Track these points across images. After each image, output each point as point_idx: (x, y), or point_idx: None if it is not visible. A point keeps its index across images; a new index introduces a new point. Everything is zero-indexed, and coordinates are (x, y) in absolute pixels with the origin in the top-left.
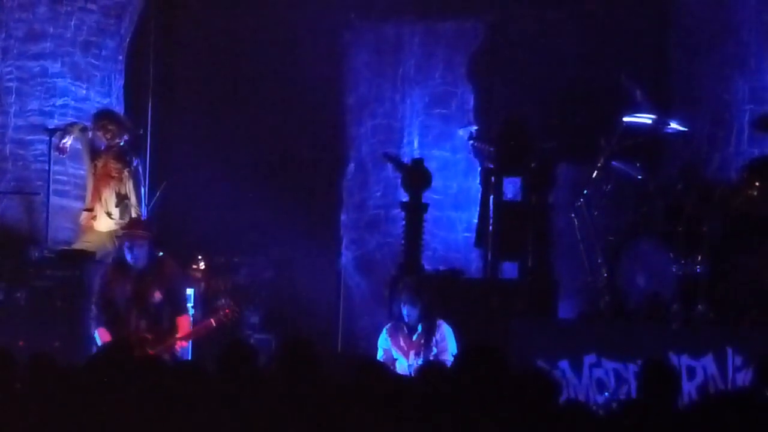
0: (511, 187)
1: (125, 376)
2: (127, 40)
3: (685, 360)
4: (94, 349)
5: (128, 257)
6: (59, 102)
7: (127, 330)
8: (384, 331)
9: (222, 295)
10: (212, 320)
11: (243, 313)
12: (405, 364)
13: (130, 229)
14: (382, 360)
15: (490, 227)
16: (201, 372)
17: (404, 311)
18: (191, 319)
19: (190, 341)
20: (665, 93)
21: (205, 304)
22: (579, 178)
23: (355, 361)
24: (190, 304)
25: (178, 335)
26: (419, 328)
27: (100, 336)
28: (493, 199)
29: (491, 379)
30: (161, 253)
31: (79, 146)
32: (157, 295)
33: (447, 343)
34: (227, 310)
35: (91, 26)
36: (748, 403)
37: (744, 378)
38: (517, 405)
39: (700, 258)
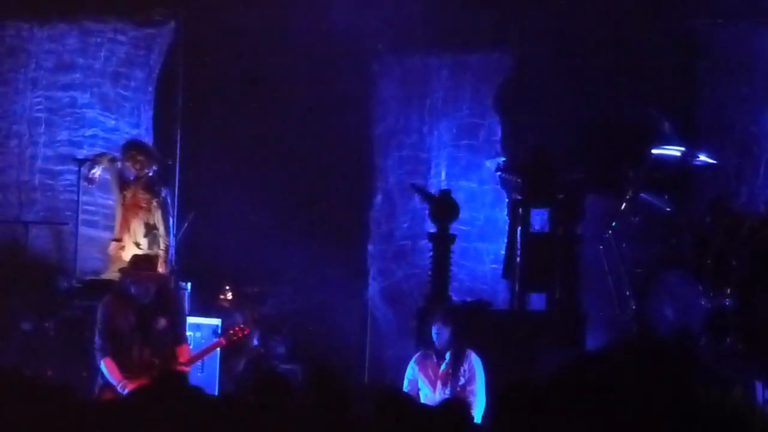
0: (538, 219)
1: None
2: (157, 71)
3: None
4: (100, 380)
5: (132, 290)
6: (88, 132)
7: (132, 359)
8: (412, 360)
9: (242, 316)
10: (222, 339)
11: (253, 331)
12: (430, 395)
13: (134, 269)
14: (406, 391)
15: (518, 258)
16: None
17: (434, 331)
18: (190, 348)
19: (191, 366)
20: (693, 125)
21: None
22: (607, 209)
23: (376, 391)
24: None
25: (180, 360)
26: (447, 356)
27: (107, 366)
28: (521, 230)
29: None
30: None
31: (108, 176)
32: (162, 322)
33: (475, 372)
34: (237, 328)
35: (120, 57)
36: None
37: None
38: None
39: (728, 291)
